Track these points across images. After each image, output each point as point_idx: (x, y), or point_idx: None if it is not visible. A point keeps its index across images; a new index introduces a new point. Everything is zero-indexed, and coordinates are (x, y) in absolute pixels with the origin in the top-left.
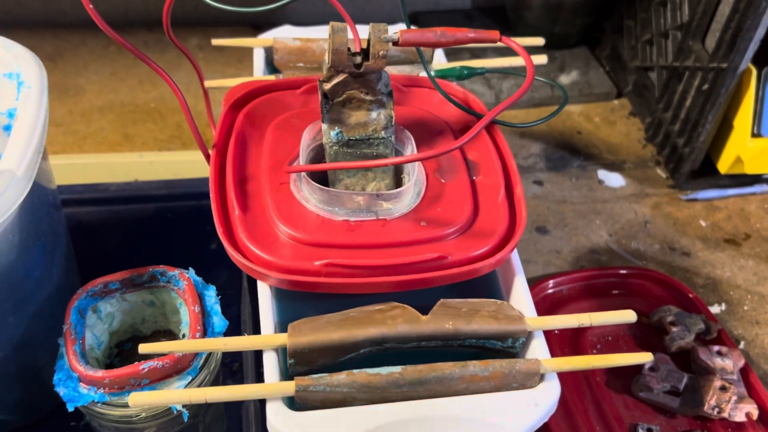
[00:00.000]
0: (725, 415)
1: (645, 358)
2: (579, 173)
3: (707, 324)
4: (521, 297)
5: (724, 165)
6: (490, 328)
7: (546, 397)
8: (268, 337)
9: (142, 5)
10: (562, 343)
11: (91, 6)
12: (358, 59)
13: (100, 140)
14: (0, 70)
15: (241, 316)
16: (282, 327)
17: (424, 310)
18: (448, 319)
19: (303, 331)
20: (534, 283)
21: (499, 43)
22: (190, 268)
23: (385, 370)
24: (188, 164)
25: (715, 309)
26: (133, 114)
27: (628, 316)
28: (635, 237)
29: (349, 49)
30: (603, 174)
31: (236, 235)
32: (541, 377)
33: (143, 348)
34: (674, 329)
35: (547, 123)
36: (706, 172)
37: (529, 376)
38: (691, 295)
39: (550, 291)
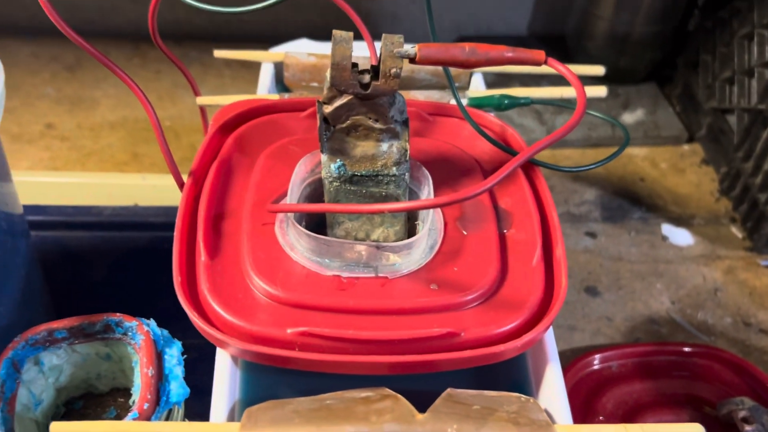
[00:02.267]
0: None
1: None
2: (639, 226)
3: None
4: (554, 392)
5: None
6: None
7: None
8: (217, 426)
9: (172, 18)
10: None
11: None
12: (366, 78)
13: (106, 158)
14: None
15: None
16: (246, 405)
17: (425, 399)
18: (453, 420)
19: (260, 423)
20: (578, 356)
21: (544, 68)
22: (151, 319)
23: None
24: None
25: None
26: (146, 132)
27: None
28: (703, 307)
29: (355, 65)
30: (668, 229)
31: (198, 286)
32: None
33: (54, 427)
34: (748, 428)
35: (606, 166)
36: None
37: None
38: None
39: (596, 367)
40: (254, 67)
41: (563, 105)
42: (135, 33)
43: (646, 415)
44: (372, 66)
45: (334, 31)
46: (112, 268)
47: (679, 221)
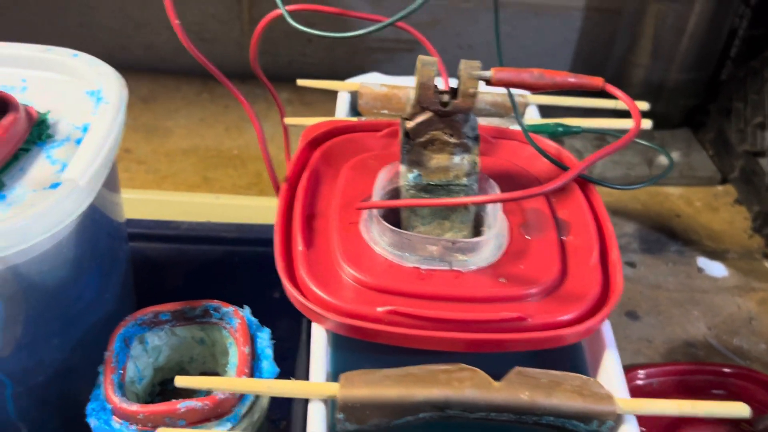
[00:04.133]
0: None
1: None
2: (676, 258)
3: None
4: (612, 374)
5: None
6: (574, 405)
7: None
8: (318, 385)
9: (237, 56)
10: None
11: (177, 22)
12: (446, 97)
13: (180, 181)
14: (83, 87)
15: (295, 372)
16: (334, 378)
17: (495, 378)
18: (525, 388)
19: (356, 384)
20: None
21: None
22: (245, 306)
23: None
24: (263, 210)
25: None
26: (216, 159)
27: (740, 410)
28: (738, 333)
29: (436, 86)
30: (703, 262)
31: (296, 271)
32: None
33: (179, 380)
34: None
35: (643, 203)
36: None
37: None
38: None
39: (639, 382)
40: (313, 104)
41: (612, 134)
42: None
43: (686, 429)
44: (450, 88)
45: (420, 56)
46: (186, 278)
47: (713, 255)
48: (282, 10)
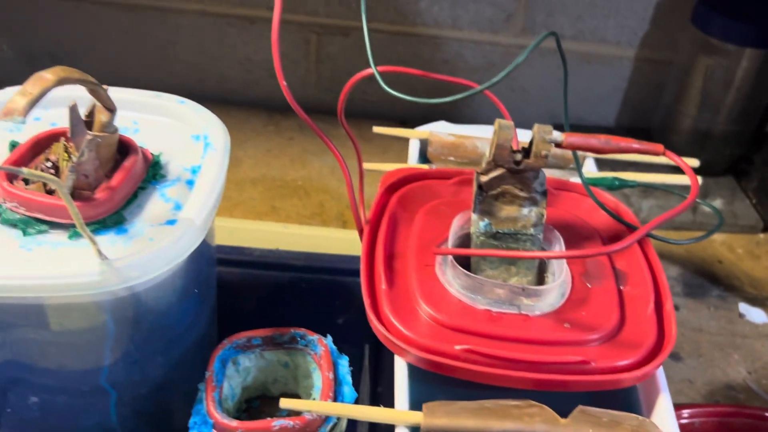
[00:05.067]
0: None
1: None
2: (718, 303)
3: None
4: (665, 415)
5: None
6: None
7: None
8: (404, 413)
9: (301, 92)
10: None
11: (284, 83)
12: (519, 156)
13: (250, 208)
14: (189, 132)
15: (360, 395)
16: (410, 408)
17: (558, 415)
18: (589, 426)
19: (438, 414)
20: None
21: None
22: (327, 335)
23: None
24: (327, 240)
25: None
26: (282, 189)
27: None
28: None
29: (511, 147)
30: (744, 308)
31: (380, 308)
32: None
33: (284, 402)
34: None
35: (687, 248)
36: None
37: None
38: None
39: (683, 421)
40: (374, 140)
41: (666, 189)
42: (270, 104)
43: None
44: (522, 147)
45: (498, 120)
46: (258, 302)
47: (754, 301)
48: (374, 71)
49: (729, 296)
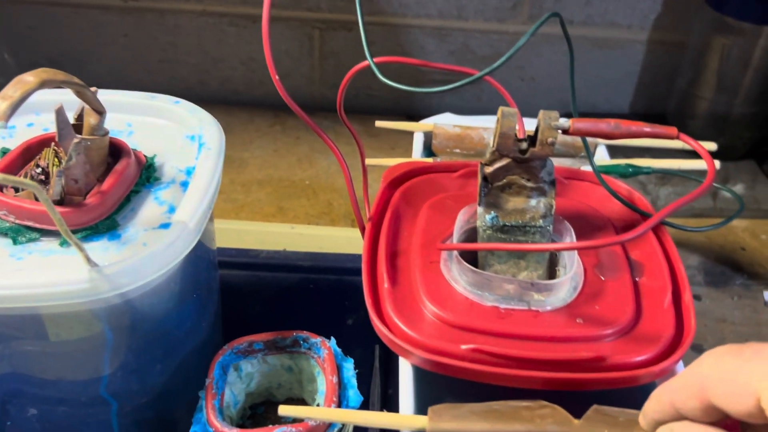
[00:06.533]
0: None
1: None
2: (742, 292)
3: None
4: None
5: None
6: None
7: None
8: (408, 417)
9: (306, 89)
10: None
11: (276, 77)
12: (524, 145)
13: (256, 210)
14: (184, 132)
15: (369, 398)
16: (417, 410)
17: (569, 412)
18: (604, 426)
19: (444, 418)
20: None
21: (646, 143)
22: (332, 338)
23: None
24: (335, 239)
25: None
26: (289, 189)
27: None
28: None
29: (515, 135)
30: None
31: (383, 308)
32: None
33: (283, 410)
34: None
35: (707, 235)
36: None
37: None
38: None
39: None
40: (381, 136)
41: (682, 174)
42: (275, 104)
43: None
44: (528, 136)
45: (502, 108)
46: (264, 304)
47: None
48: (370, 62)
49: (753, 284)
